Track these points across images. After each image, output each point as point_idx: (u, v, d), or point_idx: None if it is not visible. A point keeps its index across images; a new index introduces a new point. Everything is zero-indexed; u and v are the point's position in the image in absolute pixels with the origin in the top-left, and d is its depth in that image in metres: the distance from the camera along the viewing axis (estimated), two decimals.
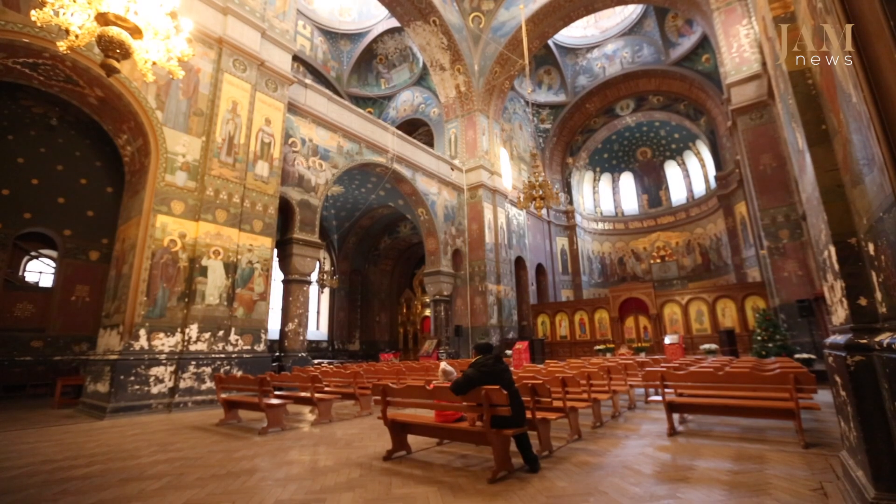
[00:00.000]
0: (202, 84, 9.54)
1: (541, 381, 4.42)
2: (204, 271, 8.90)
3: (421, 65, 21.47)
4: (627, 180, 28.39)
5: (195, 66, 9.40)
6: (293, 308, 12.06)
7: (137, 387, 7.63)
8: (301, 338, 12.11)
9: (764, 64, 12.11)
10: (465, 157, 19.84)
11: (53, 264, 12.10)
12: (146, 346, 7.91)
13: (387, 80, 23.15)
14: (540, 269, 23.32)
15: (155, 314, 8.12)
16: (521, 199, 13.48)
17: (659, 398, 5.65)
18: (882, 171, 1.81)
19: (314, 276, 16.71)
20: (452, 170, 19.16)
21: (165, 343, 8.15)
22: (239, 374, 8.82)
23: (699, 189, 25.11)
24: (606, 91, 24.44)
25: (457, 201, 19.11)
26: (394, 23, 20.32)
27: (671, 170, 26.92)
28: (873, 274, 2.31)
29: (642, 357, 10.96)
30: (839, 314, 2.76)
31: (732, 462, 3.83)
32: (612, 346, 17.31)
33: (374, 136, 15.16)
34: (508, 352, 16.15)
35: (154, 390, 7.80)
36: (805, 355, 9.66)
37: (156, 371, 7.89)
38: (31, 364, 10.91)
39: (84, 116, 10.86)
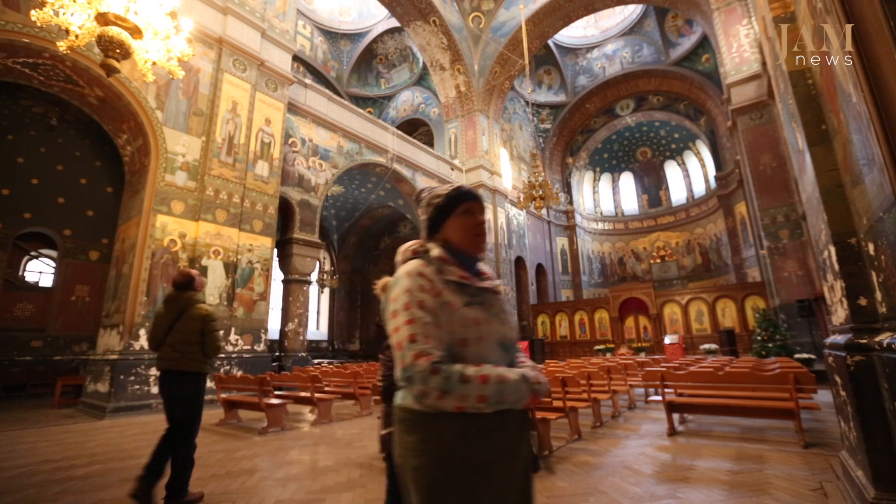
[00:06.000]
0: (202, 84, 9.54)
1: None
2: (204, 271, 8.89)
3: (421, 65, 21.46)
4: (627, 180, 28.38)
5: (195, 65, 9.40)
6: (293, 308, 12.05)
7: (137, 387, 7.63)
8: (301, 338, 12.10)
9: (764, 64, 12.10)
10: (465, 157, 19.83)
11: (53, 264, 12.09)
12: (146, 346, 7.90)
13: (387, 80, 23.14)
14: (540, 269, 23.31)
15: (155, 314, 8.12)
16: (521, 199, 13.49)
17: (659, 398, 5.65)
18: (882, 171, 1.81)
19: (314, 276, 16.71)
20: (452, 170, 19.15)
21: None
22: (239, 373, 8.82)
23: (699, 189, 25.10)
24: (606, 91, 24.43)
25: None
26: (394, 23, 20.31)
27: (671, 170, 26.91)
28: (873, 274, 2.32)
29: (642, 357, 10.96)
30: (839, 314, 2.76)
31: (732, 462, 3.82)
32: (612, 346, 17.31)
33: (374, 136, 15.16)
34: None
35: (154, 390, 7.80)
36: (805, 355, 9.65)
37: (156, 371, 7.88)
38: (31, 364, 10.89)
39: (84, 116, 10.85)
